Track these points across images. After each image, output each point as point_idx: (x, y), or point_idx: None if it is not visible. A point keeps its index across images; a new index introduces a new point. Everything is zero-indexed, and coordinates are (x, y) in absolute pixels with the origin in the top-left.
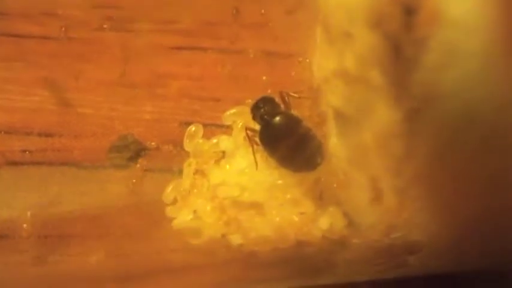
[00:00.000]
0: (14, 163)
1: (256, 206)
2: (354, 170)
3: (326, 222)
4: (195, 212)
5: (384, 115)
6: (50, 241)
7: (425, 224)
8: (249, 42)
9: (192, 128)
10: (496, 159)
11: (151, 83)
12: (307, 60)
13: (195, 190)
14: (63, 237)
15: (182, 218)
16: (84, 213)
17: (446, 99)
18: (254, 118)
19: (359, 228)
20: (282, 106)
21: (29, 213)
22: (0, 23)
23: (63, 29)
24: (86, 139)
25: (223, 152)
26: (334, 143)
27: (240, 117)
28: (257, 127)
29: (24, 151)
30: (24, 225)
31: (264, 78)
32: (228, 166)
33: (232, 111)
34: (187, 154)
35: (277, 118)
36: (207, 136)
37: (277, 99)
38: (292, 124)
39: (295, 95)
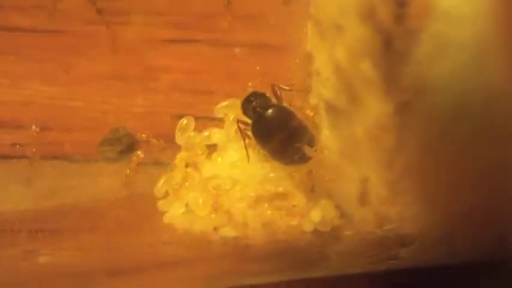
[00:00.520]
0: (5, 156)
1: (248, 199)
2: (346, 163)
3: (318, 215)
4: (187, 205)
5: (375, 108)
6: (41, 235)
7: (417, 217)
8: (241, 35)
9: (184, 121)
10: (486, 151)
11: (143, 76)
12: (300, 53)
13: (187, 183)
14: (55, 231)
15: (174, 211)
16: (75, 206)
17: (437, 91)
18: (245, 113)
19: (351, 221)
20: (274, 99)
21: (20, 207)
22: None
23: (54, 22)
24: (77, 132)
25: (215, 145)
26: (326, 136)
27: (232, 110)
28: (249, 120)
29: (15, 144)
30: (16, 220)
31: (257, 68)
32: (219, 159)
33: (224, 103)
34: (179, 147)
35: (270, 111)
36: (199, 129)
37: (269, 92)
38: (285, 117)
39: (287, 87)
